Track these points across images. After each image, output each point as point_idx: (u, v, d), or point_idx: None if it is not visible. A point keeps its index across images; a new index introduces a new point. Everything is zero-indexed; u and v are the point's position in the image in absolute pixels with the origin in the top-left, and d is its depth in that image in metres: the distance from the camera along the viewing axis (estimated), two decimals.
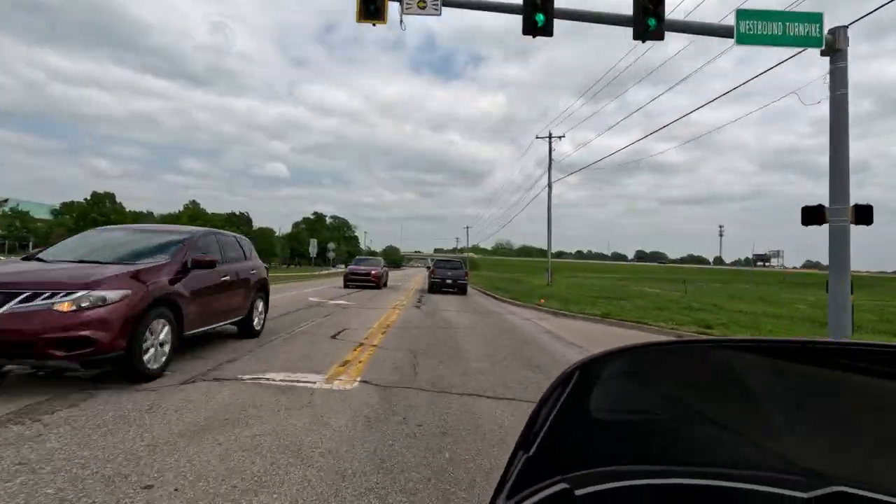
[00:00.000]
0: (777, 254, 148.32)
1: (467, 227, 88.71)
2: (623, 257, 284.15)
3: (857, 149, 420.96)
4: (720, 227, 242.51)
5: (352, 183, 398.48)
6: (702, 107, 11.66)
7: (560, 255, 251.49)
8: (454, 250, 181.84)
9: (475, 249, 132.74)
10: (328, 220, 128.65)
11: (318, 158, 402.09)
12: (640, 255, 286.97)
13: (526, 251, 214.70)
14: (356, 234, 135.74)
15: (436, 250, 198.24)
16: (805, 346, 0.81)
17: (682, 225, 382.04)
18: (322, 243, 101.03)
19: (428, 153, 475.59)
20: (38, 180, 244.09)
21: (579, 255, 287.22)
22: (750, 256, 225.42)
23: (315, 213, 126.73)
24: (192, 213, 64.87)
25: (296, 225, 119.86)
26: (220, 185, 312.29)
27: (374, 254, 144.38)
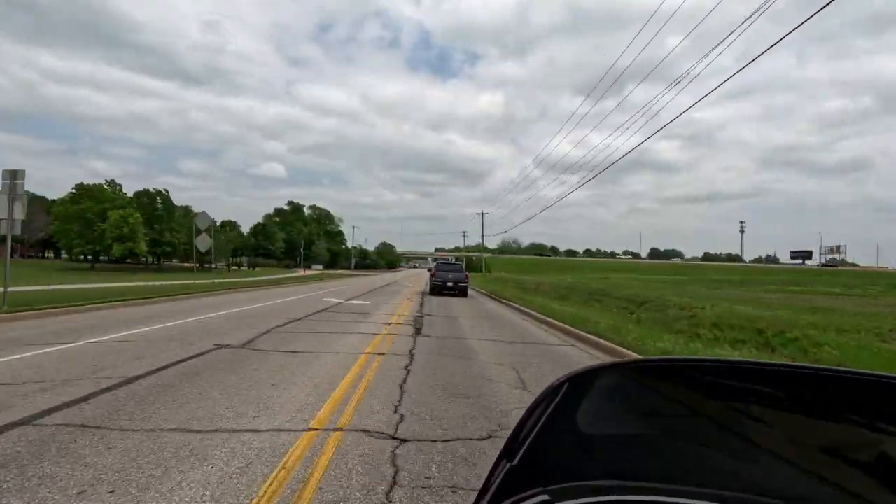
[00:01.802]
0: (837, 250, 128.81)
1: (482, 212, 64.36)
2: (636, 255, 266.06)
3: (858, 146, 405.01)
4: (741, 223, 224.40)
5: (351, 183, 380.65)
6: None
7: (571, 254, 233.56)
8: (457, 249, 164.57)
9: (480, 248, 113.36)
10: (307, 212, 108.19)
11: (318, 158, 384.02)
12: (655, 253, 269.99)
13: (538, 249, 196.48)
14: (341, 228, 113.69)
15: (436, 249, 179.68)
16: (791, 371, 0.81)
17: (686, 223, 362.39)
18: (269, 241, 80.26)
19: (427, 153, 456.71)
20: (34, 182, 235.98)
21: (588, 253, 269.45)
22: (772, 254, 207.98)
23: (290, 203, 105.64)
24: (78, 194, 46.46)
25: (268, 217, 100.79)
26: (220, 186, 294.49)
27: (365, 254, 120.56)
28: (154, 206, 50.63)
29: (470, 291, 26.15)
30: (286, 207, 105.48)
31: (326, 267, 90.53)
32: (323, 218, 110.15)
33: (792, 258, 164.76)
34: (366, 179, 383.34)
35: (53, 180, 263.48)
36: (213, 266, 31.66)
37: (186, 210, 55.86)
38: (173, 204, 55.14)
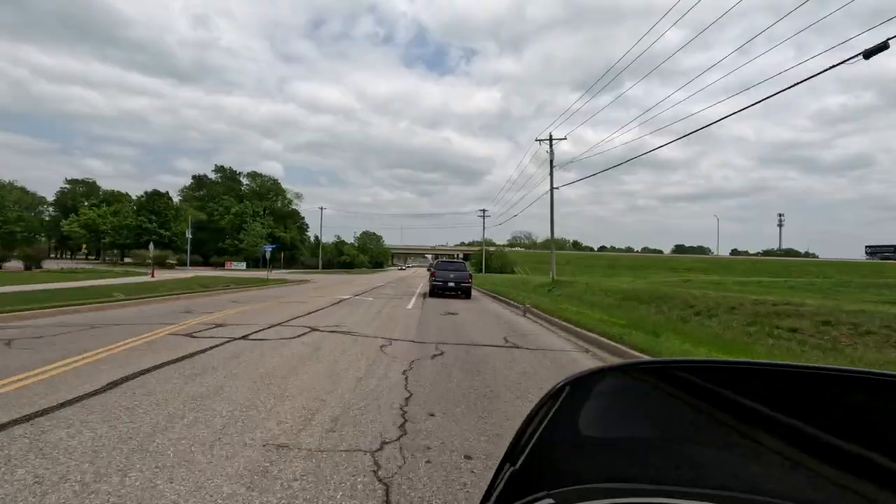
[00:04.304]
0: None
1: (550, 138, 28.72)
2: (657, 252, 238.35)
3: (859, 143, 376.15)
4: (780, 215, 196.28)
5: (349, 182, 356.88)
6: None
7: (587, 250, 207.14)
8: (461, 245, 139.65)
9: (488, 244, 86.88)
10: (245, 183, 72.88)
11: (314, 157, 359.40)
12: (681, 249, 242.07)
13: (558, 244, 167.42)
14: (296, 205, 76.46)
15: (438, 246, 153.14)
16: (792, 371, 0.82)
17: (688, 220, 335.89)
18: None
19: (425, 151, 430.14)
20: (31, 181, 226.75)
21: (603, 249, 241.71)
22: (808, 249, 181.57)
23: (218, 168, 72.70)
24: None
25: (186, 191, 69.66)
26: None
27: (340, 248, 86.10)
28: None
29: None
30: (212, 176, 72.73)
31: (258, 265, 59.95)
32: (267, 192, 72.60)
33: (868, 254, 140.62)
34: (363, 179, 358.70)
35: (48, 179, 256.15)
36: None
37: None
38: None
